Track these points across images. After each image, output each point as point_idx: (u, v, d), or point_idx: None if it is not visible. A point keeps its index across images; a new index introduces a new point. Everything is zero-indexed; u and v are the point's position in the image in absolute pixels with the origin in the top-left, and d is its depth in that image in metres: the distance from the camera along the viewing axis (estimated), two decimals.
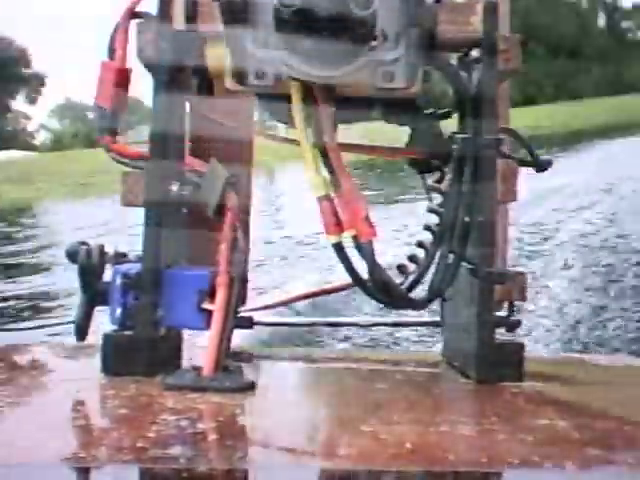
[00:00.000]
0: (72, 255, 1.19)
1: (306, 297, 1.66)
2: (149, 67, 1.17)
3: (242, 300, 1.30)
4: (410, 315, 1.61)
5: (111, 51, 1.17)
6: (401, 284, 1.23)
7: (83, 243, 1.20)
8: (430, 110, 1.23)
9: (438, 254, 1.23)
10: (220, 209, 1.11)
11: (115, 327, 1.15)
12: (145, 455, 0.81)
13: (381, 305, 1.23)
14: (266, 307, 1.56)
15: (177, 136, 1.19)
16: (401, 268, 1.26)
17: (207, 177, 1.14)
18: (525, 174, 1.25)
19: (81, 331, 1.18)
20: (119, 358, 1.12)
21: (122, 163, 1.19)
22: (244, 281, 1.12)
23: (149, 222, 1.13)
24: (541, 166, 1.24)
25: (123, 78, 1.18)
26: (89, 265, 1.17)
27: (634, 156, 11.85)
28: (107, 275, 1.19)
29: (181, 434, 0.88)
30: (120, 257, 1.20)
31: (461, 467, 0.83)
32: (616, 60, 35.16)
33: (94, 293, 1.17)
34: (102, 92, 1.18)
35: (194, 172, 1.20)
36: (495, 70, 1.14)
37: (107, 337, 1.13)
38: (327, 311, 3.09)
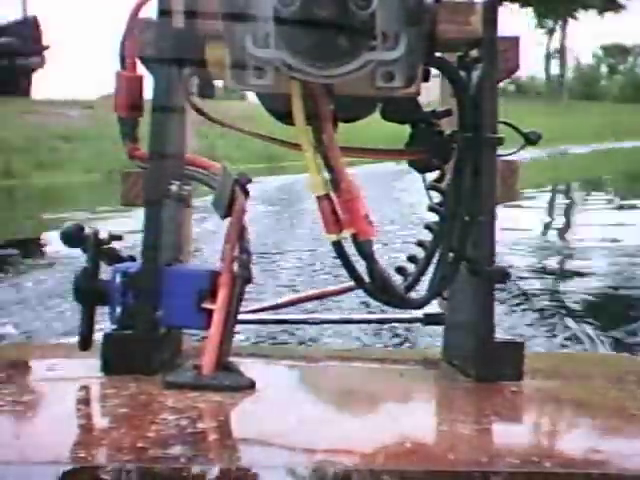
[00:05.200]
0: (67, 238, 1.18)
1: (307, 299, 1.67)
2: (149, 67, 1.17)
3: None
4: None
5: (122, 59, 1.18)
6: (401, 283, 1.23)
7: (80, 227, 1.19)
8: (430, 109, 1.23)
9: (438, 253, 1.23)
10: (230, 211, 1.11)
11: (115, 326, 1.15)
12: (145, 455, 0.81)
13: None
14: (267, 308, 1.56)
15: (177, 135, 1.19)
16: (401, 270, 1.27)
17: (219, 182, 1.14)
18: None
19: (85, 341, 1.18)
20: (119, 357, 1.12)
21: (145, 169, 1.19)
22: (247, 282, 1.12)
23: (149, 221, 1.13)
24: (531, 140, 1.26)
25: (136, 85, 1.18)
26: (86, 282, 1.16)
27: None
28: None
29: (181, 433, 0.88)
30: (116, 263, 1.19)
31: (461, 467, 0.83)
32: None
33: (94, 304, 1.17)
34: (118, 101, 1.18)
35: (195, 170, 1.20)
36: (495, 70, 1.14)
37: (107, 336, 1.13)
38: None
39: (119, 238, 1.20)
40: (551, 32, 38.10)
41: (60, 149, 13.93)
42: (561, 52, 37.87)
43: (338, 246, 1.13)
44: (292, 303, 1.61)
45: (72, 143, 13.83)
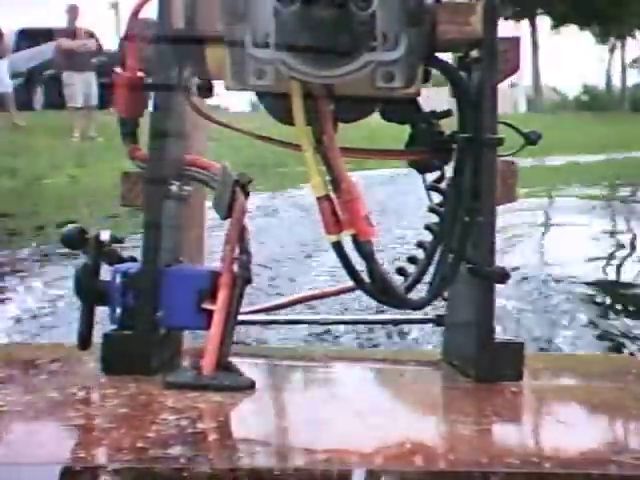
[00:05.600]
0: (69, 240, 1.18)
1: (307, 300, 1.67)
2: (148, 67, 1.17)
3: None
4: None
5: (122, 60, 1.17)
6: (402, 284, 1.23)
7: (81, 230, 1.19)
8: (430, 109, 1.24)
9: (438, 254, 1.23)
10: (231, 211, 1.11)
11: (115, 327, 1.15)
12: (145, 455, 0.81)
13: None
14: (267, 309, 1.56)
15: (177, 135, 1.19)
16: (401, 271, 1.27)
17: (219, 182, 1.14)
18: None
19: (84, 340, 1.18)
20: (119, 357, 1.12)
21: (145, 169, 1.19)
22: (247, 282, 1.12)
23: (149, 222, 1.13)
24: (532, 140, 1.26)
25: (137, 86, 1.18)
26: (86, 281, 1.17)
27: None
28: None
29: (181, 434, 0.88)
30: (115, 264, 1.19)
31: (461, 467, 0.83)
32: None
33: (93, 301, 1.17)
34: (118, 102, 1.18)
35: (196, 171, 1.20)
36: (495, 70, 1.14)
37: (107, 337, 1.13)
38: None
39: (120, 241, 1.20)
40: (612, 50, 40.17)
41: None
42: (623, 69, 39.88)
43: (338, 246, 1.13)
44: (293, 303, 1.61)
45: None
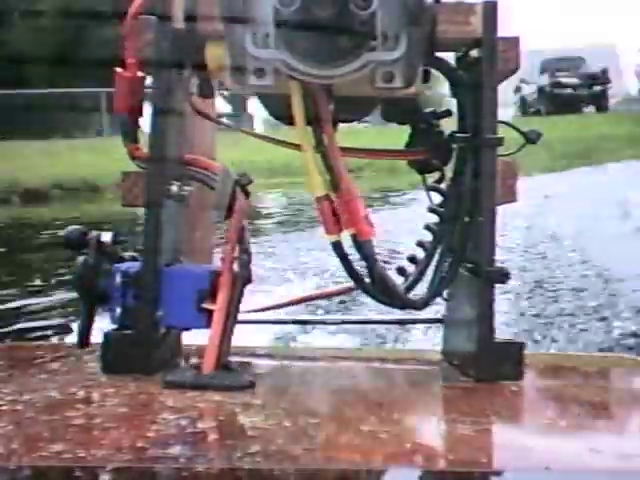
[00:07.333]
0: (70, 242, 1.18)
1: (307, 300, 1.67)
2: (149, 67, 1.17)
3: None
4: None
5: (122, 60, 1.18)
6: (401, 284, 1.23)
7: (82, 232, 1.19)
8: (430, 109, 1.24)
9: (438, 254, 1.23)
10: (231, 211, 1.11)
11: (115, 326, 1.15)
12: (145, 455, 0.81)
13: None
14: (266, 309, 1.56)
15: (177, 135, 1.19)
16: (401, 270, 1.27)
17: (219, 183, 1.14)
18: None
19: (83, 339, 1.18)
20: (119, 357, 1.12)
21: (145, 169, 1.19)
22: (247, 282, 1.12)
23: (149, 221, 1.13)
24: (532, 139, 1.26)
25: (137, 86, 1.18)
26: (87, 275, 1.17)
27: None
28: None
29: (181, 433, 0.88)
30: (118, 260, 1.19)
31: (461, 467, 0.83)
32: None
33: (93, 299, 1.17)
34: (119, 101, 1.18)
35: (196, 171, 1.20)
36: (495, 70, 1.14)
37: (107, 336, 1.14)
38: None
39: (121, 243, 1.20)
40: None
41: None
42: None
43: (338, 246, 1.13)
44: (294, 303, 1.61)
45: None
